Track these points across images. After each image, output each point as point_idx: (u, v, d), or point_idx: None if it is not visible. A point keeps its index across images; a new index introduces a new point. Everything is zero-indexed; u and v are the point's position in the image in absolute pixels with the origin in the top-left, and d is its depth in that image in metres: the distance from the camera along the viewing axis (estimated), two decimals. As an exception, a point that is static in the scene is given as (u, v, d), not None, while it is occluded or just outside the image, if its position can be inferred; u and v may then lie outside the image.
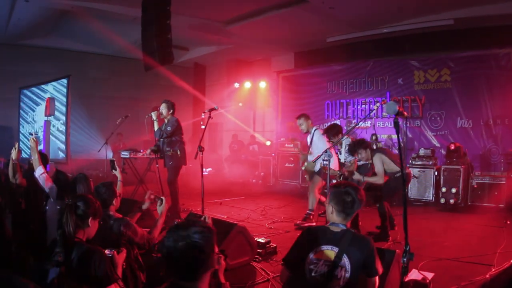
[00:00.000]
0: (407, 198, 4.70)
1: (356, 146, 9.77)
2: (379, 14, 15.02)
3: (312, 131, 11.24)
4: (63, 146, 16.57)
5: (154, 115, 11.04)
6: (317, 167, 10.82)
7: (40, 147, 15.49)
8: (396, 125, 4.23)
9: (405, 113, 4.51)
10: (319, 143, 10.92)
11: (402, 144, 15.04)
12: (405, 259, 3.99)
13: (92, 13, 15.33)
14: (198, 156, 9.26)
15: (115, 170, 7.93)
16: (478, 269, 6.91)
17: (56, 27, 17.86)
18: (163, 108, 11.00)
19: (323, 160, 7.99)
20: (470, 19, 14.25)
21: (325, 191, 10.31)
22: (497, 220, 10.63)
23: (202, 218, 5.58)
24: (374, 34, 16.58)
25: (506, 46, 14.16)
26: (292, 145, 17.43)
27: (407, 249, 4.02)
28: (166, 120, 11.04)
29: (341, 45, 18.12)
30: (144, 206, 6.43)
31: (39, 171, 6.89)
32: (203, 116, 9.72)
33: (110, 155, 16.47)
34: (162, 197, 6.16)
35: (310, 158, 11.12)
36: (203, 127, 9.64)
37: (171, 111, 11.02)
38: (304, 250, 4.33)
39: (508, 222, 10.23)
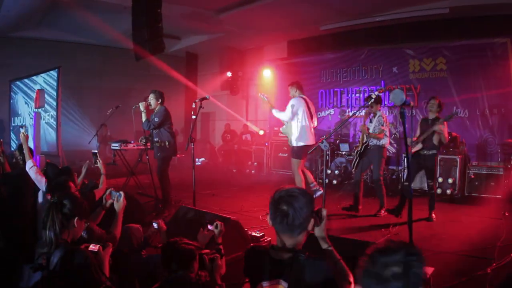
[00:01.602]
0: (412, 197, 4.24)
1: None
2: (374, 2, 14.86)
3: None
4: (54, 138, 16.39)
5: (141, 106, 10.80)
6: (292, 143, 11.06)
7: (30, 140, 15.35)
8: (402, 115, 4.02)
9: (412, 103, 4.31)
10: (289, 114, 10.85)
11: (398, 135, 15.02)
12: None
13: (82, 3, 15.17)
14: (189, 147, 9.09)
15: (98, 163, 7.73)
16: (479, 263, 6.74)
17: (46, 19, 17.70)
18: (151, 99, 10.79)
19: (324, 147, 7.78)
20: (466, 8, 14.13)
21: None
22: (495, 211, 10.48)
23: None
24: (369, 22, 16.47)
25: (502, 36, 14.05)
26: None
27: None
28: (155, 111, 10.81)
29: (335, 33, 17.99)
30: (107, 204, 6.13)
31: (29, 165, 6.77)
32: (193, 106, 9.54)
33: (96, 146, 16.33)
34: (120, 192, 5.82)
35: (285, 128, 11.35)
36: (194, 117, 9.46)
37: (160, 100, 10.79)
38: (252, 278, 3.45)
39: (507, 214, 10.09)
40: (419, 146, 9.69)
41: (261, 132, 18.74)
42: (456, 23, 15.02)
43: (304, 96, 11.09)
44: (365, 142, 10.91)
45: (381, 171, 10.96)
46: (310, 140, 10.78)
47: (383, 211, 10.51)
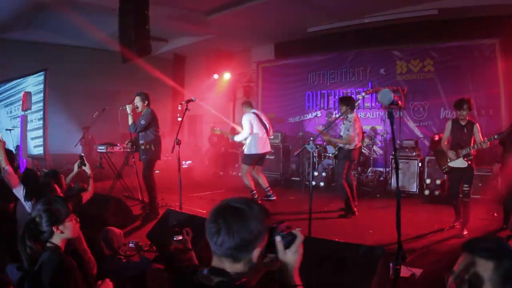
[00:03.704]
0: (400, 197, 4.12)
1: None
2: (361, 3, 14.85)
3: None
4: (40, 141, 16.27)
5: (128, 109, 10.72)
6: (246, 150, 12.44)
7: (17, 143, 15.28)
8: (391, 115, 3.94)
9: (400, 102, 4.20)
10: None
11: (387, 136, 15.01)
12: (397, 260, 3.76)
13: (70, 5, 15.04)
14: (175, 149, 9.05)
15: (84, 165, 7.62)
16: (468, 264, 6.66)
17: (34, 20, 17.51)
18: (137, 101, 10.73)
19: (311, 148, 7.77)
20: (454, 10, 14.11)
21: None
22: (483, 212, 10.47)
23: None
24: (356, 24, 16.40)
25: (491, 37, 14.09)
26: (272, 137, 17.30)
27: (400, 250, 3.79)
28: (142, 113, 10.72)
29: (322, 35, 17.92)
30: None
31: (4, 172, 6.63)
32: (180, 108, 9.55)
33: (80, 149, 16.26)
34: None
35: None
36: (179, 119, 9.44)
37: (146, 102, 10.74)
38: None
39: (495, 215, 10.09)
40: (460, 162, 8.99)
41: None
42: (444, 24, 15.02)
43: (254, 111, 12.48)
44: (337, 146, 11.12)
45: (343, 173, 10.91)
46: (260, 149, 12.15)
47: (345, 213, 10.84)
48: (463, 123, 8.99)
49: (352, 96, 16.11)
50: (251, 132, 12.00)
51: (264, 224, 2.53)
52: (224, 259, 2.49)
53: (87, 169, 7.59)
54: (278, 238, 2.59)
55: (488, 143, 8.63)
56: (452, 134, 9.18)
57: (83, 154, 8.21)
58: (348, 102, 11.02)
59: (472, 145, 8.83)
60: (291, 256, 2.61)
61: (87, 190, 7.16)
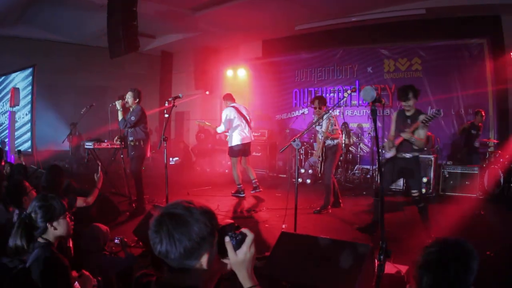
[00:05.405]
0: (383, 193, 4.08)
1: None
2: (349, 2, 14.83)
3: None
4: (28, 137, 16.21)
5: (118, 105, 10.65)
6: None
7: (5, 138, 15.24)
8: (374, 113, 3.91)
9: (383, 100, 4.14)
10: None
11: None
12: (381, 257, 3.75)
13: (58, 1, 14.97)
14: (162, 146, 9.03)
15: (97, 174, 7.44)
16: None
17: (22, 17, 17.41)
18: (129, 97, 10.66)
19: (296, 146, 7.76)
20: (442, 9, 14.15)
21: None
22: (470, 210, 10.49)
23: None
24: (344, 22, 16.40)
25: (479, 36, 14.14)
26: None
27: (384, 246, 3.78)
28: (131, 109, 10.69)
29: (310, 33, 17.92)
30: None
31: None
32: (166, 105, 9.51)
33: (68, 145, 16.24)
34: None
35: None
36: (166, 115, 9.42)
37: (137, 100, 10.68)
38: None
39: (482, 212, 10.16)
40: (392, 152, 8.47)
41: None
42: (432, 24, 15.06)
43: (234, 104, 12.85)
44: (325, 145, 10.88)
45: (333, 169, 10.84)
46: (240, 140, 12.52)
47: (326, 210, 10.66)
48: (408, 113, 8.39)
49: (336, 94, 16.27)
50: (229, 125, 12.44)
51: (208, 227, 2.42)
52: (173, 270, 2.42)
53: (96, 178, 7.40)
54: (226, 239, 2.51)
55: (410, 133, 8.00)
56: (397, 126, 8.55)
57: (100, 163, 8.11)
58: (324, 102, 11.24)
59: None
60: (243, 256, 2.51)
61: (89, 198, 7.00)
